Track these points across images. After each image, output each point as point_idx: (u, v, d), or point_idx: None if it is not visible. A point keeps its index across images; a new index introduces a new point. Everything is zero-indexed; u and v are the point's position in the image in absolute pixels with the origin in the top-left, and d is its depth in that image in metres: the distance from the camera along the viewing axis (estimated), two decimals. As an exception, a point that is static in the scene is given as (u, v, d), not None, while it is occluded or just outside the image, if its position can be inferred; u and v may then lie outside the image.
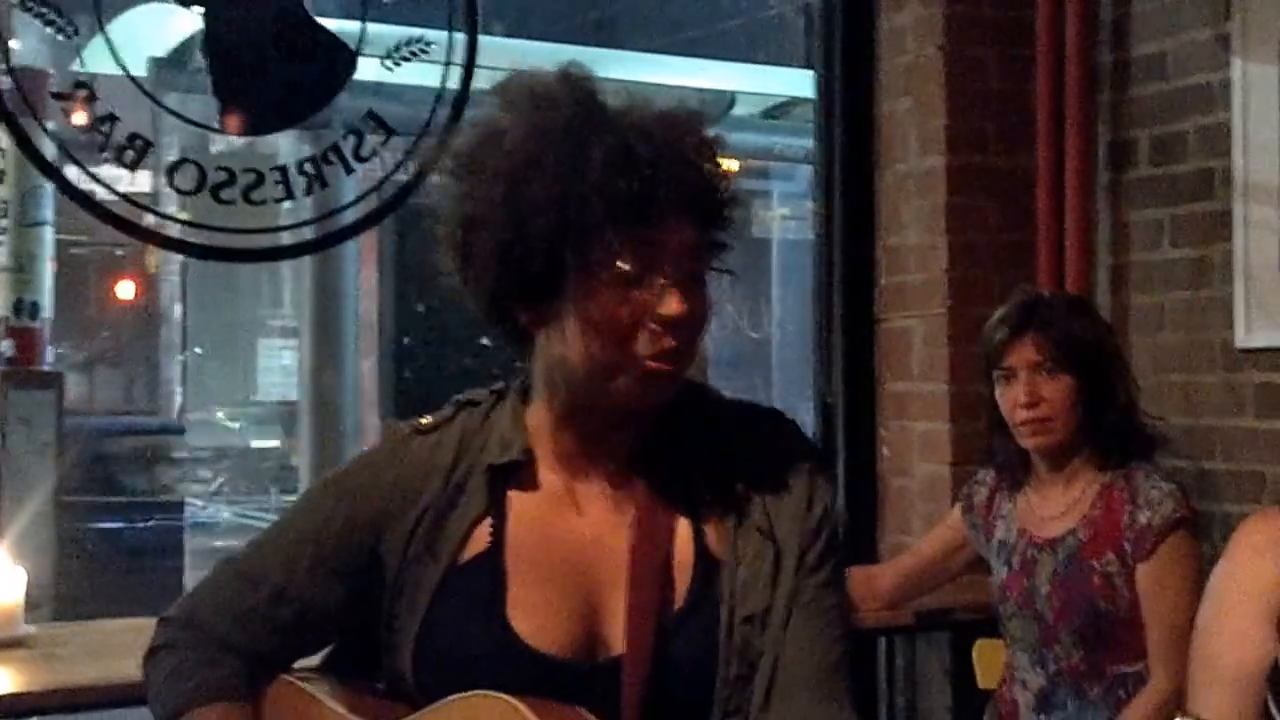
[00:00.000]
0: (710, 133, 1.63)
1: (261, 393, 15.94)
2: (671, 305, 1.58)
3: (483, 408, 1.74)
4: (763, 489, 1.68)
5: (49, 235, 7.30)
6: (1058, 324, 3.02)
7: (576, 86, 1.61)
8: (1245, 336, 3.48)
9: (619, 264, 1.56)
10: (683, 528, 1.67)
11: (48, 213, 7.25)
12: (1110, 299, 3.77)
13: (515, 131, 1.58)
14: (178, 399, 16.14)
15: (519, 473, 1.68)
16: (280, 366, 15.08)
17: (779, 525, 1.67)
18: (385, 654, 1.71)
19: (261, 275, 14.30)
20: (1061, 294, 3.54)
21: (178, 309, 16.13)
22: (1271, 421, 3.42)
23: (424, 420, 1.75)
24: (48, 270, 7.33)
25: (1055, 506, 3.06)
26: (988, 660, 3.33)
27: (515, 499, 1.68)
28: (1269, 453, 3.41)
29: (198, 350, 16.27)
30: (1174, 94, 3.67)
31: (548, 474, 1.69)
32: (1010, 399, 3.03)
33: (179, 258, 16.06)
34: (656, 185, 1.55)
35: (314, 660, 1.81)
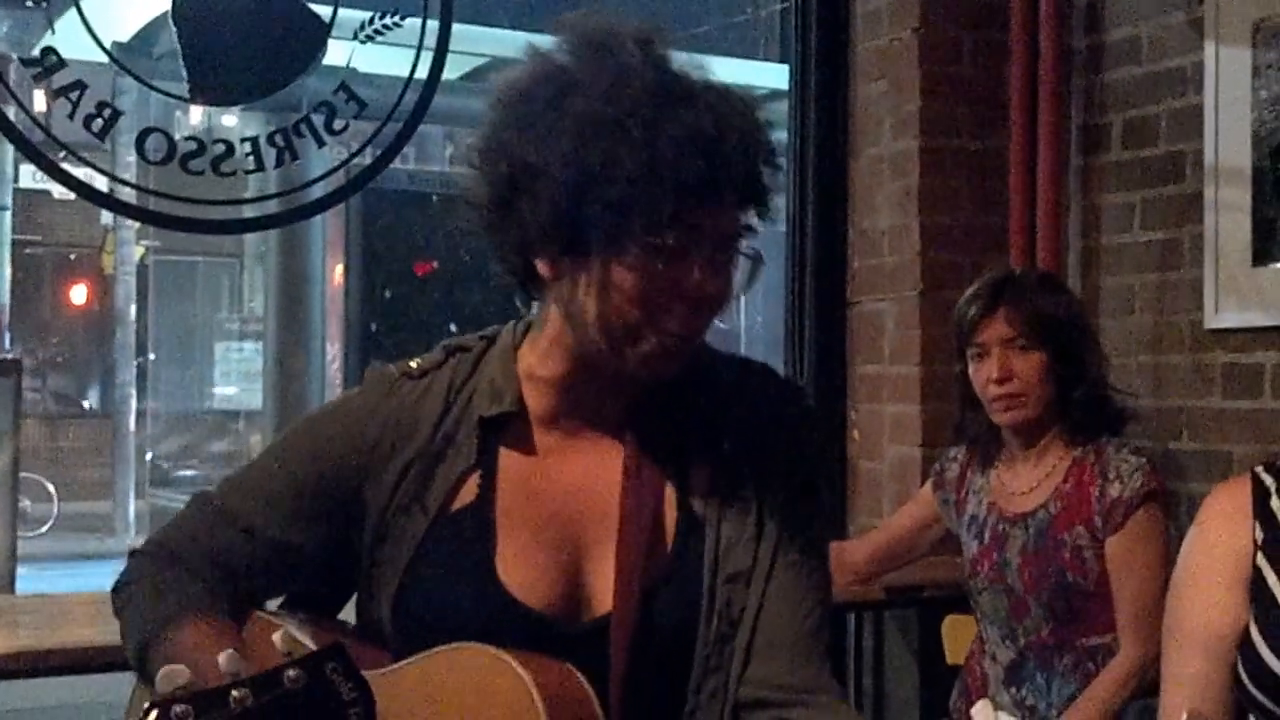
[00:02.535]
0: (765, 118, 1.61)
1: (219, 399, 15.86)
2: (709, 285, 1.56)
3: (473, 354, 1.71)
4: (750, 447, 1.67)
5: (7, 221, 7.23)
6: (1029, 300, 3.03)
7: (652, 52, 1.58)
8: (1214, 318, 3.50)
9: (666, 238, 1.53)
10: (669, 485, 1.66)
11: (6, 198, 7.18)
12: (1081, 281, 3.79)
13: (592, 89, 1.54)
14: (133, 403, 16.05)
15: (509, 425, 1.66)
16: (241, 371, 15.00)
17: (764, 484, 1.66)
18: (362, 598, 1.70)
19: (221, 277, 14.23)
20: (1033, 271, 3.56)
21: (133, 311, 16.05)
22: (1239, 401, 3.44)
23: (413, 364, 1.72)
24: (5, 257, 7.26)
25: (1026, 482, 3.06)
26: (956, 636, 3.34)
27: (505, 452, 1.66)
28: (1236, 432, 3.43)
29: (152, 356, 16.18)
30: (1146, 78, 3.69)
31: (538, 427, 1.67)
32: (983, 375, 3.03)
33: (134, 259, 16.01)
34: (722, 168, 1.53)
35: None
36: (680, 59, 1.59)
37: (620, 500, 1.63)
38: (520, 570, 1.62)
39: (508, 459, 1.66)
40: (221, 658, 1.23)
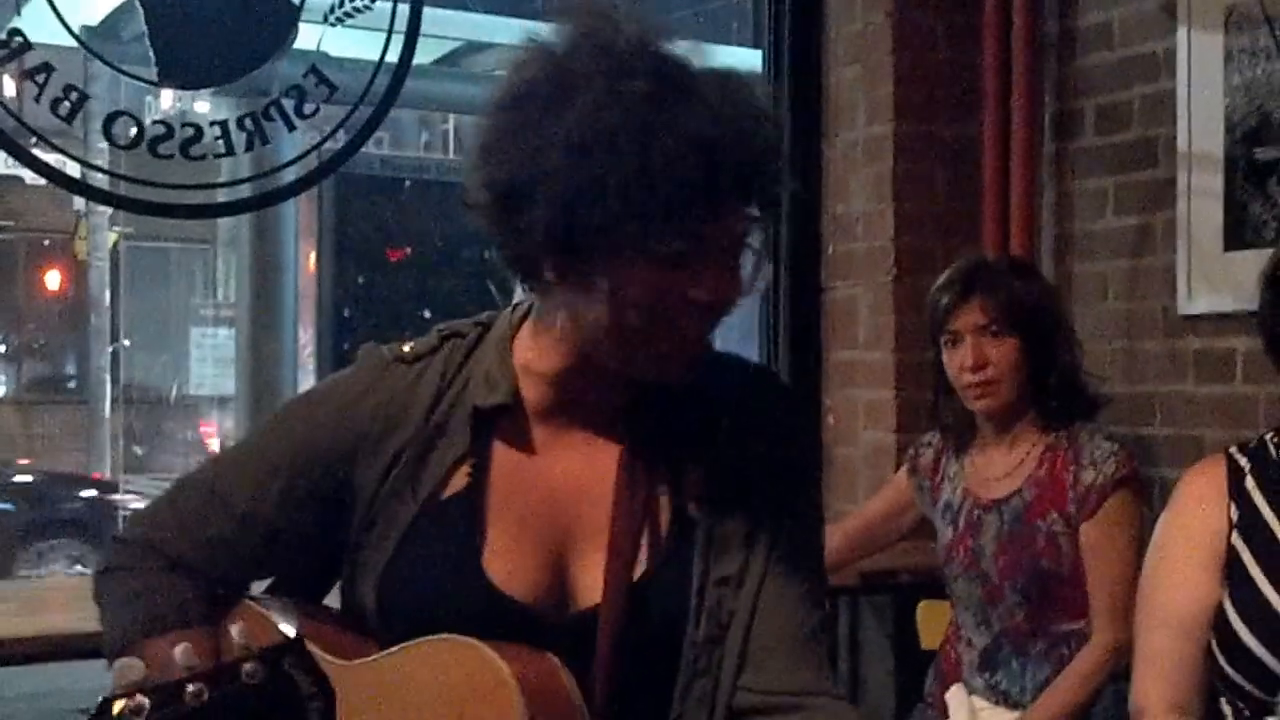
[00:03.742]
0: (768, 104, 1.57)
1: (194, 385, 15.80)
2: (720, 291, 1.54)
3: (467, 341, 1.68)
4: (745, 450, 1.65)
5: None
6: (1002, 287, 3.03)
7: (649, 43, 1.53)
8: (1187, 303, 3.50)
9: (670, 246, 1.50)
10: (663, 483, 1.64)
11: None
12: (1054, 267, 3.79)
13: (587, 92, 1.49)
14: (108, 388, 15.98)
15: (504, 416, 1.64)
16: (214, 357, 14.94)
17: (758, 488, 1.64)
18: (346, 582, 1.68)
19: (194, 262, 14.18)
20: (1005, 257, 3.56)
21: (107, 297, 15.98)
22: (1211, 387, 3.44)
23: (406, 348, 1.68)
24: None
25: (1000, 468, 3.06)
26: (930, 621, 3.35)
27: (498, 443, 1.64)
28: (1208, 417, 3.44)
29: (126, 342, 16.11)
30: (1119, 63, 3.69)
31: (533, 419, 1.65)
32: (957, 362, 3.03)
33: (108, 245, 15.93)
34: (722, 171, 1.50)
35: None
36: (680, 46, 1.55)
37: (614, 495, 1.61)
38: (506, 562, 1.60)
39: (501, 450, 1.64)
40: (177, 651, 1.21)
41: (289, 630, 1.61)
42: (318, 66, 3.40)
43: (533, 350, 1.64)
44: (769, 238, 1.61)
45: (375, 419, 1.65)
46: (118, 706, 1.11)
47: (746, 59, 4.23)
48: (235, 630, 1.27)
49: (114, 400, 15.78)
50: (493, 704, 1.47)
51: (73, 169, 3.67)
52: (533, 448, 1.65)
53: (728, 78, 1.53)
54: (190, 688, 1.15)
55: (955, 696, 3.03)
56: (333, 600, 1.76)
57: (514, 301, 1.71)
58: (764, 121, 1.54)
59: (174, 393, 15.62)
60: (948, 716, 3.03)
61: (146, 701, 1.12)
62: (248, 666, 1.19)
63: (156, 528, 1.72)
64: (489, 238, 1.59)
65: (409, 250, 7.72)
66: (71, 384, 18.48)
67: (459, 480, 1.63)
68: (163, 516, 1.73)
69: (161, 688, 1.15)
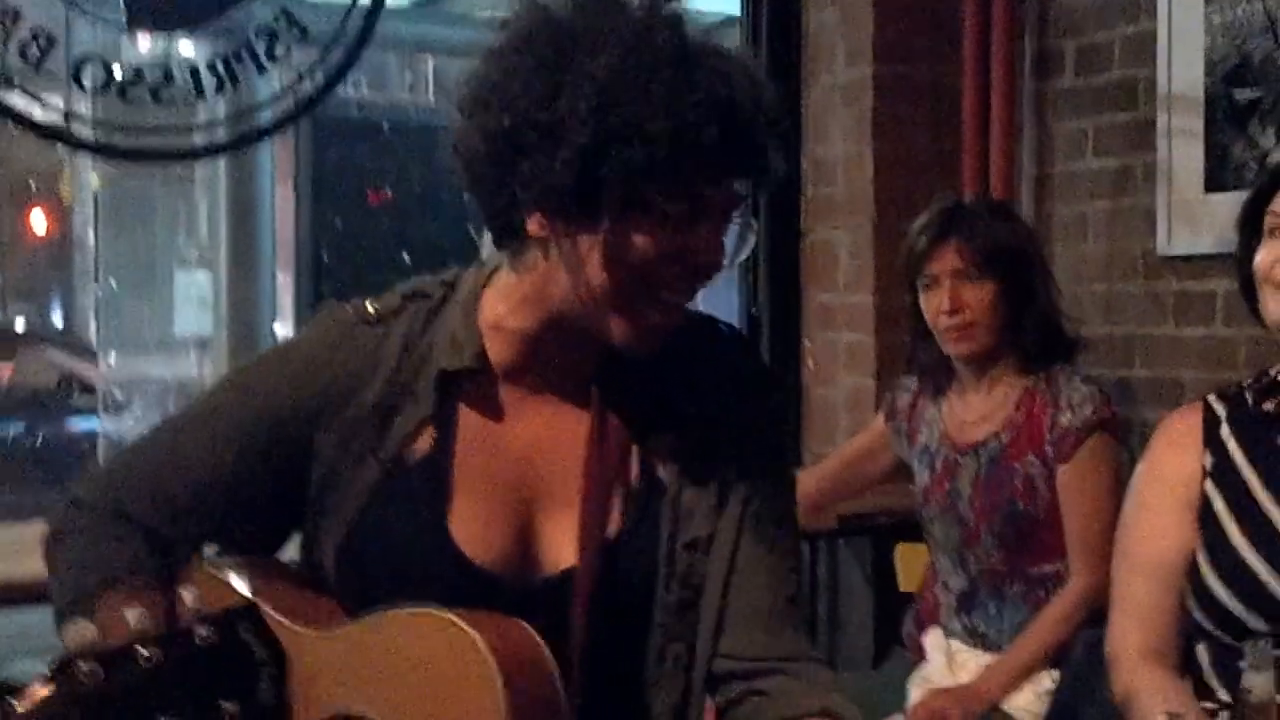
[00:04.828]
0: (767, 78, 1.55)
1: (178, 327, 15.73)
2: (712, 254, 1.53)
3: (432, 300, 1.65)
4: (714, 413, 1.64)
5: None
6: (980, 230, 3.01)
7: (665, 13, 1.51)
8: (1167, 245, 3.49)
9: (679, 206, 1.49)
10: (632, 446, 1.63)
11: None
12: (1034, 208, 3.78)
13: (610, 46, 1.47)
14: (94, 330, 15.92)
15: (470, 378, 1.62)
16: (199, 298, 14.88)
17: (729, 452, 1.63)
18: (306, 544, 1.67)
19: (178, 204, 14.10)
20: (983, 199, 3.54)
21: (91, 238, 15.89)
22: (1191, 328, 3.44)
23: (370, 308, 1.65)
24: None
25: (977, 411, 3.06)
26: (909, 564, 3.35)
27: (464, 406, 1.62)
28: (1188, 359, 3.44)
29: (112, 282, 16.04)
30: (1099, 4, 3.67)
31: (501, 380, 1.63)
32: (934, 306, 3.02)
33: (92, 186, 15.85)
34: (739, 137, 1.48)
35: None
36: (687, 18, 1.53)
37: (585, 456, 1.60)
38: (472, 526, 1.59)
39: (466, 413, 1.62)
40: (130, 614, 1.20)
41: (244, 592, 1.60)
42: (288, 9, 3.38)
43: (501, 309, 1.61)
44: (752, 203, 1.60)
45: (337, 381, 1.62)
46: (71, 670, 1.10)
47: (726, 1, 4.20)
48: (189, 595, 1.26)
49: (99, 342, 15.71)
50: (468, 675, 1.46)
51: (46, 114, 3.63)
52: (500, 410, 1.63)
53: (734, 56, 1.53)
54: (143, 651, 1.14)
55: (933, 639, 3.04)
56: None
57: (480, 260, 1.68)
58: (774, 102, 1.53)
59: (158, 335, 15.56)
60: (925, 659, 3.04)
61: (100, 666, 1.11)
62: (201, 631, 1.18)
63: (111, 488, 1.69)
64: (471, 189, 1.55)
65: (388, 194, 7.68)
66: (58, 325, 18.41)
67: (424, 444, 1.61)
68: (119, 476, 1.71)
69: (115, 651, 1.14)
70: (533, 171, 1.48)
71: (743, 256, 1.59)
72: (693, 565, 1.60)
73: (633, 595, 1.59)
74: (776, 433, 1.73)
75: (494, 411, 1.63)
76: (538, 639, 1.52)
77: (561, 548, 1.59)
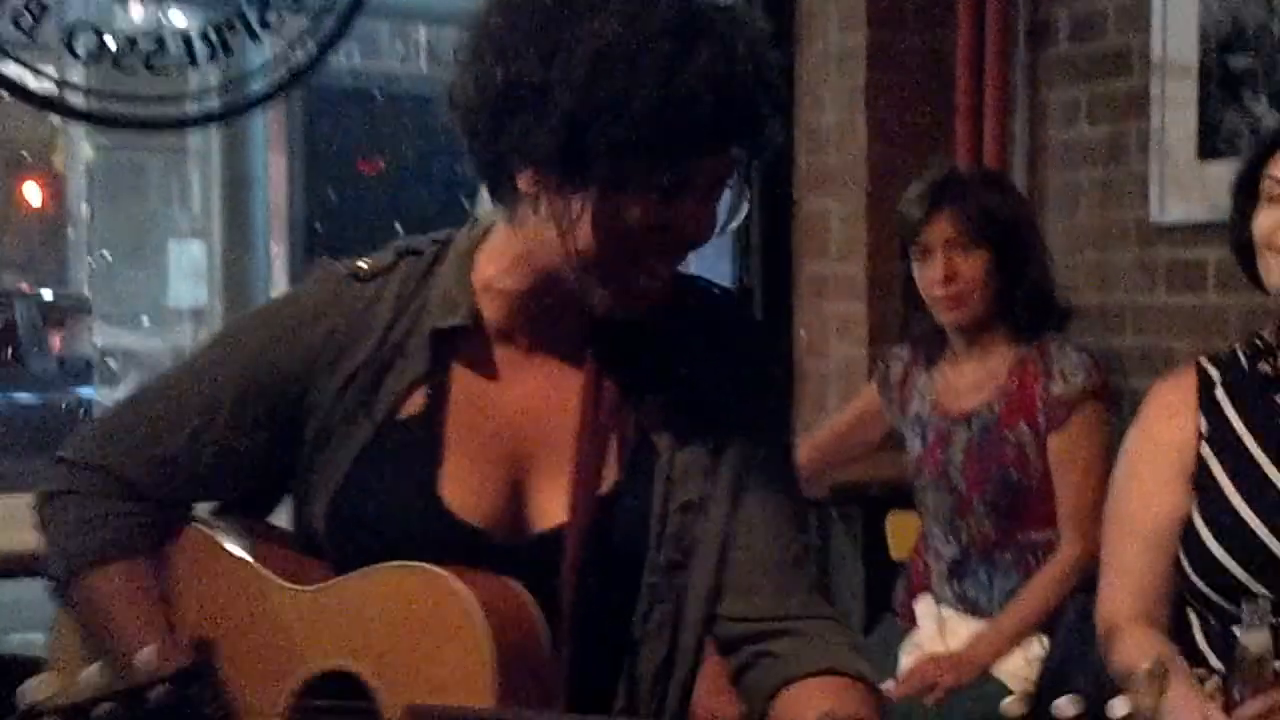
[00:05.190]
0: (770, 45, 1.52)
1: (172, 298, 15.72)
2: (701, 225, 1.51)
3: (425, 259, 1.64)
4: (708, 374, 1.63)
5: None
6: (973, 199, 3.01)
7: None
8: (1160, 214, 3.49)
9: (668, 177, 1.47)
10: (626, 407, 1.62)
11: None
12: (1027, 177, 3.78)
13: (611, 10, 1.44)
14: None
15: (463, 337, 1.61)
16: (192, 270, 14.87)
17: (723, 413, 1.62)
18: (298, 502, 1.67)
19: (171, 175, 14.07)
20: (976, 168, 3.54)
21: (85, 209, 15.87)
22: (1182, 297, 3.44)
23: (362, 265, 1.65)
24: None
25: (970, 380, 3.06)
26: (900, 532, 3.36)
27: (457, 365, 1.62)
28: (1179, 328, 3.45)
29: (105, 254, 16.02)
30: (1094, -29, 3.66)
31: (494, 340, 1.62)
32: (927, 275, 3.02)
33: (85, 157, 15.82)
34: (732, 111, 1.46)
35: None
36: None
37: (580, 417, 1.60)
38: (463, 486, 1.59)
39: (459, 372, 1.62)
40: (93, 669, 1.23)
41: (236, 552, 1.60)
42: (281, -23, 3.38)
43: (494, 268, 1.61)
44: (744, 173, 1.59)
45: (330, 338, 1.62)
46: None
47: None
48: (143, 656, 1.31)
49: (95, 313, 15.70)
50: (456, 632, 1.47)
51: (39, 83, 3.63)
52: (493, 370, 1.62)
53: (740, 18, 1.49)
54: (102, 708, 1.18)
55: (924, 606, 3.05)
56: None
57: (474, 219, 1.67)
58: (773, 70, 1.51)
59: (153, 305, 15.55)
60: (916, 626, 3.05)
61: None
62: (156, 690, 1.22)
63: (103, 448, 1.69)
64: (464, 139, 1.54)
65: (381, 164, 7.67)
66: (51, 296, 18.40)
67: (416, 403, 1.61)
68: (110, 436, 1.70)
69: (72, 707, 1.20)
70: (522, 130, 1.47)
71: (734, 224, 1.58)
72: (685, 527, 1.60)
73: (623, 554, 1.59)
74: (772, 393, 1.71)
75: (487, 371, 1.62)
76: (527, 597, 1.53)
77: (552, 506, 1.59)
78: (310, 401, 1.62)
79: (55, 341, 13.36)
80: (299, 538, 1.68)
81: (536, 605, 1.53)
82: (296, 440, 1.63)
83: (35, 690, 1.21)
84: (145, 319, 15.38)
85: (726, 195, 1.54)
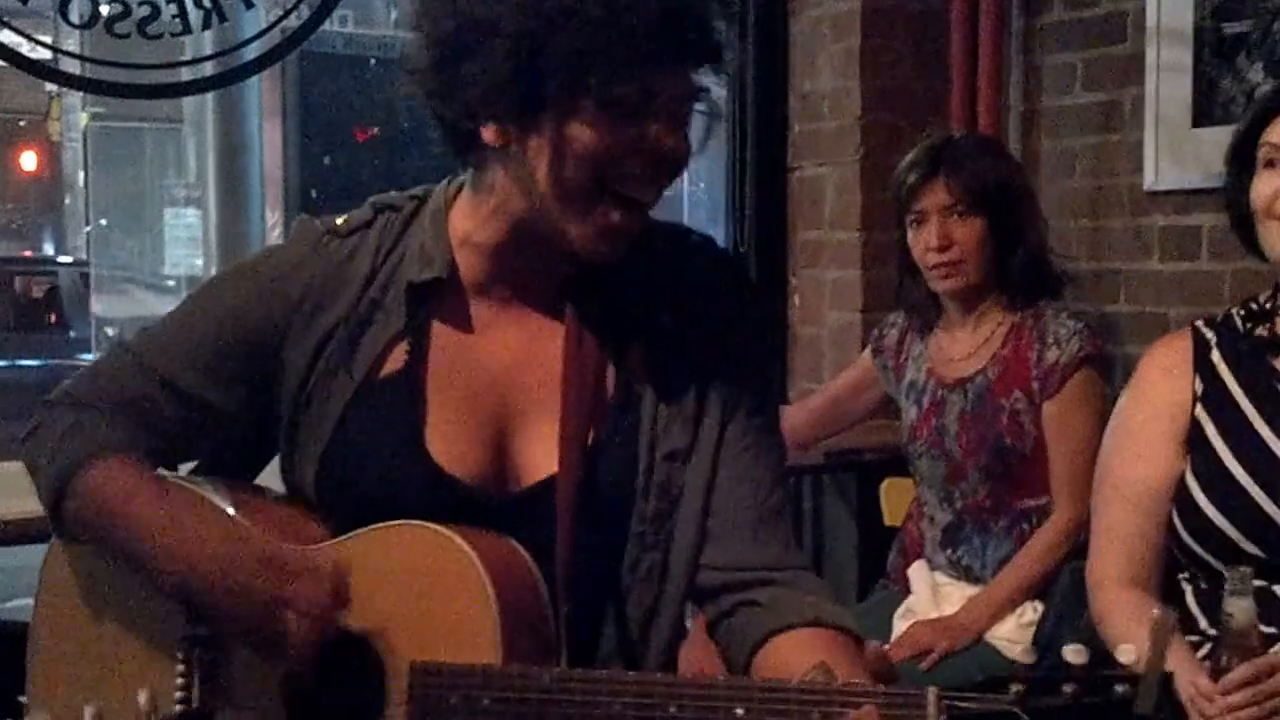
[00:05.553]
0: None
1: (168, 265, 15.71)
2: (667, 142, 1.52)
3: (403, 214, 1.66)
4: (691, 323, 1.64)
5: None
6: (967, 166, 3.01)
7: None
8: (1154, 180, 3.49)
9: (623, 94, 1.48)
10: (608, 356, 1.62)
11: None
12: (1021, 143, 3.77)
13: None
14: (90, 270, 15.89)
15: (441, 292, 1.62)
16: (188, 237, 14.84)
17: (706, 362, 1.63)
18: (285, 462, 1.67)
19: (167, 142, 14.05)
20: (971, 135, 3.53)
21: (81, 177, 15.84)
22: (1176, 264, 3.45)
23: (340, 221, 1.66)
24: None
25: (965, 347, 3.07)
26: (894, 499, 3.37)
27: (436, 320, 1.62)
28: (1173, 294, 3.45)
29: (103, 222, 16.00)
30: (1088, -63, 3.65)
31: (472, 294, 1.63)
32: (922, 243, 3.02)
33: (81, 124, 15.78)
34: (681, 22, 1.48)
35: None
36: None
37: (563, 366, 1.60)
38: (449, 440, 1.59)
39: (439, 327, 1.63)
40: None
41: (225, 508, 1.60)
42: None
43: (470, 221, 1.61)
44: (737, 116, 1.60)
45: (308, 293, 1.62)
46: None
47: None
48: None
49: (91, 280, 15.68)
50: (462, 589, 1.48)
51: (33, 51, 3.62)
52: (472, 324, 1.63)
53: None
54: None
55: (918, 572, 3.06)
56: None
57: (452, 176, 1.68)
58: None
59: (148, 272, 15.55)
60: (910, 592, 3.06)
61: None
62: None
63: (86, 393, 1.69)
64: (425, 105, 1.55)
65: (376, 130, 7.65)
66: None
67: (396, 358, 1.62)
68: (92, 383, 1.70)
69: None
70: (476, 72, 1.49)
71: (705, 146, 1.59)
72: (670, 476, 1.60)
73: (611, 504, 1.59)
74: (756, 341, 1.72)
75: (467, 325, 1.63)
76: (525, 554, 1.55)
77: (539, 458, 1.60)
78: (288, 358, 1.63)
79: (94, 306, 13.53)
80: (289, 497, 1.68)
81: (534, 562, 1.54)
82: (277, 398, 1.64)
83: None
84: (142, 285, 15.37)
85: (700, 120, 1.56)
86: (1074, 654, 1.23)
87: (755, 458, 1.63)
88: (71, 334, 13.36)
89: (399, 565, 1.53)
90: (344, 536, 1.58)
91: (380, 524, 1.55)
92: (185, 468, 1.75)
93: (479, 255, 1.62)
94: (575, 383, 1.60)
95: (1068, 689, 1.21)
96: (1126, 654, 1.23)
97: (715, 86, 1.58)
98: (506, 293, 1.63)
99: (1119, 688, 1.20)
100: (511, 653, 1.47)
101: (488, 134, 1.53)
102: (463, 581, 1.48)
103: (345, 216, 1.67)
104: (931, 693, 1.25)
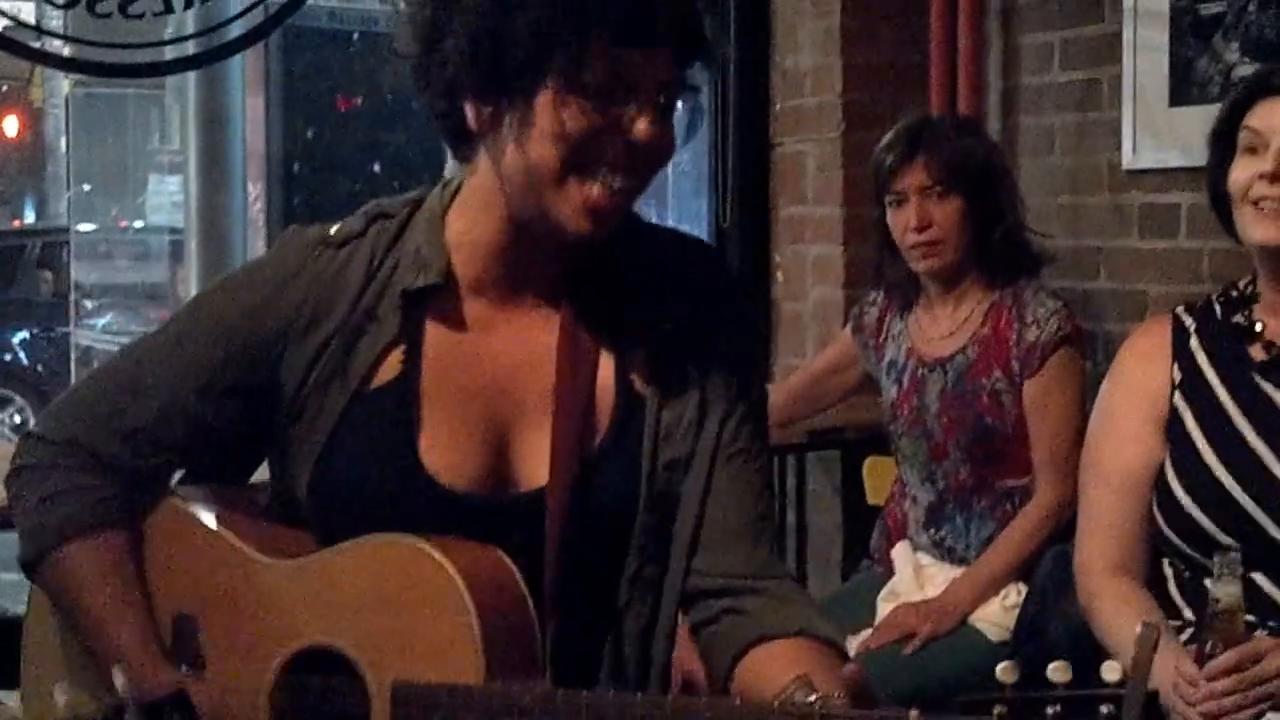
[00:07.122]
0: None
1: (150, 232, 15.60)
2: (643, 127, 1.49)
3: (396, 221, 1.63)
4: (686, 327, 1.62)
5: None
6: (946, 146, 3.02)
7: None
8: (1132, 158, 3.50)
9: (590, 73, 1.46)
10: (606, 360, 1.61)
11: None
12: (1001, 122, 3.78)
13: None
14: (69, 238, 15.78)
15: (436, 296, 1.60)
16: (170, 203, 14.74)
17: (702, 367, 1.61)
18: (275, 473, 1.66)
19: (150, 110, 13.95)
20: (950, 115, 3.54)
21: (63, 143, 15.72)
22: (1155, 241, 3.46)
23: (332, 231, 1.64)
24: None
25: (945, 326, 3.08)
26: (877, 477, 3.39)
27: (431, 325, 1.60)
28: (1152, 272, 3.46)
29: (85, 188, 15.89)
30: (1067, -85, 3.65)
31: (467, 298, 1.61)
32: (901, 223, 3.03)
33: (64, 90, 15.67)
34: (657, 7, 1.48)
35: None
36: None
37: (557, 371, 1.58)
38: (444, 449, 1.58)
39: (434, 333, 1.60)
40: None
41: (210, 525, 1.61)
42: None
43: (464, 222, 1.60)
44: (718, 92, 1.60)
45: (302, 306, 1.60)
46: None
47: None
48: (119, 682, 1.33)
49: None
50: (440, 604, 1.47)
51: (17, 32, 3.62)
52: (467, 327, 1.61)
53: None
54: None
55: (901, 554, 3.07)
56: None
57: (445, 178, 1.67)
58: None
59: (128, 240, 15.45)
60: (894, 572, 3.07)
61: None
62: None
63: (72, 421, 1.68)
64: (420, 95, 1.55)
65: (359, 103, 7.61)
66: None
67: (391, 366, 1.59)
68: (78, 410, 1.69)
69: None
70: (451, 51, 1.49)
71: (688, 140, 1.58)
72: (671, 485, 1.59)
73: (609, 515, 1.58)
74: (748, 346, 1.72)
75: (462, 329, 1.61)
76: (510, 565, 1.52)
77: (535, 465, 1.58)
78: (283, 371, 1.61)
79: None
80: (279, 509, 1.67)
81: (519, 572, 1.52)
82: (269, 411, 1.62)
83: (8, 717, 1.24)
84: (124, 252, 15.27)
85: (684, 114, 1.55)
86: (1058, 672, 1.23)
87: (746, 464, 1.62)
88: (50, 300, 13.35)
89: (377, 580, 1.51)
90: (328, 550, 1.57)
91: (364, 537, 1.54)
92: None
93: (474, 254, 1.60)
94: (569, 388, 1.58)
95: (1050, 711, 1.20)
96: (1111, 671, 1.23)
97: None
98: (503, 292, 1.61)
99: (1104, 708, 1.21)
100: (494, 668, 1.45)
101: (470, 115, 1.52)
102: (443, 597, 1.47)
103: (337, 226, 1.65)
104: (913, 714, 1.26)
